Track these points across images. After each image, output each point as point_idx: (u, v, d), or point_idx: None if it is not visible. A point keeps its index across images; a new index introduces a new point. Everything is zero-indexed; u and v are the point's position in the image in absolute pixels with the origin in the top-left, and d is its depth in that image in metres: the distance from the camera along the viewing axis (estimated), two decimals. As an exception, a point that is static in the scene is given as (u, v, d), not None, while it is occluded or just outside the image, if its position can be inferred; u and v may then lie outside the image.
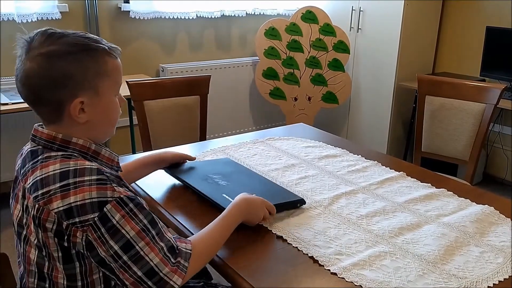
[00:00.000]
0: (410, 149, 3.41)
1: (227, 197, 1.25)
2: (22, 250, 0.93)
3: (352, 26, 3.49)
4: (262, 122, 3.78)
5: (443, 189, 1.43)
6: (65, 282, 0.87)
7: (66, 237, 0.84)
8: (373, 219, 1.24)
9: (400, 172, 1.54)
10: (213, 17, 3.31)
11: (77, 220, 0.83)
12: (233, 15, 3.42)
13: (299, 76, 3.51)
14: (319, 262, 1.06)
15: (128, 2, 2.99)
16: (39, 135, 0.92)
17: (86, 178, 0.85)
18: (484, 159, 3.35)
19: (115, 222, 0.84)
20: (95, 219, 0.83)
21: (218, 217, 1.08)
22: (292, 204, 1.29)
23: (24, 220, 0.90)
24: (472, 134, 2.06)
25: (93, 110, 0.93)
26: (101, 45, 0.93)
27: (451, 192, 1.41)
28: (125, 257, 0.85)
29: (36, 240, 0.87)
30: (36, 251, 0.88)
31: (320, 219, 1.25)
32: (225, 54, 3.55)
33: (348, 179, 1.50)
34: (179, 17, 3.17)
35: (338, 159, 1.67)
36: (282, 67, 3.47)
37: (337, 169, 1.58)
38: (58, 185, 0.85)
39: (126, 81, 2.07)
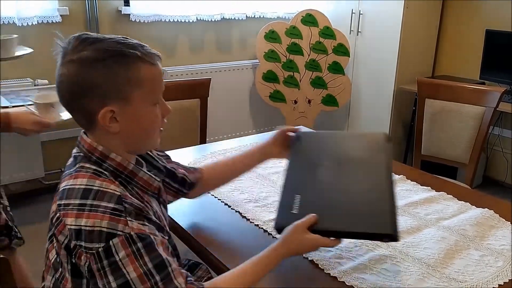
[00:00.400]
0: (410, 152, 3.41)
1: (292, 212, 1.01)
2: (46, 246, 0.92)
3: (352, 29, 3.50)
4: (262, 125, 3.79)
5: (443, 192, 1.43)
6: None
7: (73, 255, 0.82)
8: (373, 223, 1.24)
9: (400, 176, 1.54)
10: (213, 20, 3.32)
11: (83, 244, 0.81)
12: (233, 18, 3.43)
13: (299, 79, 3.52)
14: (319, 265, 1.06)
15: (129, 5, 2.99)
16: (82, 143, 0.91)
17: (102, 204, 0.82)
18: (484, 161, 3.35)
19: (118, 259, 0.80)
20: (100, 249, 0.80)
21: (250, 260, 0.95)
22: (374, 237, 0.99)
23: (53, 220, 0.89)
24: (472, 137, 2.07)
25: (125, 119, 0.88)
26: (135, 51, 0.87)
27: (451, 196, 1.41)
28: None
29: (56, 244, 0.86)
30: (54, 254, 0.88)
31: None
32: (225, 57, 3.56)
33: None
34: (179, 20, 3.18)
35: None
36: (282, 70, 3.48)
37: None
38: (77, 201, 0.83)
39: None
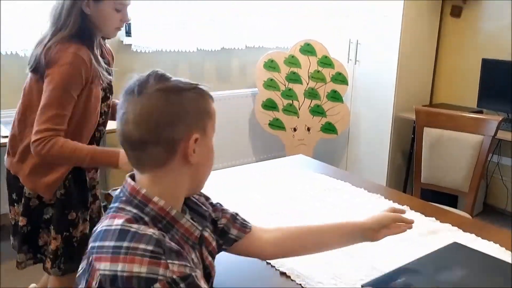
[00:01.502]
0: (410, 180, 3.41)
1: None
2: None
3: (350, 58, 3.57)
4: (262, 152, 3.80)
5: (448, 223, 1.43)
6: None
7: None
8: (378, 255, 1.23)
9: (404, 206, 1.54)
10: (213, 50, 3.38)
11: None
12: (232, 47, 3.49)
13: (298, 107, 3.55)
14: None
15: (130, 36, 3.05)
16: (126, 186, 0.88)
17: (141, 246, 0.77)
18: (484, 189, 3.35)
19: None
20: None
21: None
22: None
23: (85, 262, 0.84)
24: (471, 165, 2.08)
25: (202, 151, 0.89)
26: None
27: (456, 227, 1.40)
28: None
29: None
30: None
31: (324, 253, 1.23)
32: (225, 85, 3.60)
33: (351, 213, 1.49)
34: (180, 50, 3.23)
35: (341, 192, 1.67)
36: (281, 98, 3.52)
37: (340, 203, 1.57)
38: (112, 243, 0.78)
39: None
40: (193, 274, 0.79)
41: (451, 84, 3.51)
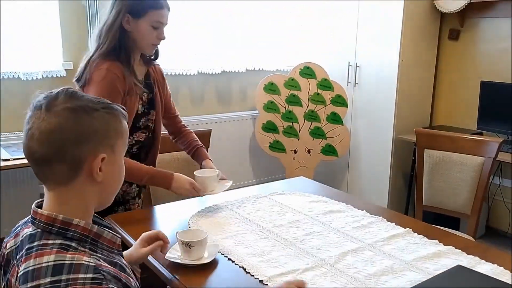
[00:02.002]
0: (411, 202, 3.39)
1: None
2: None
3: (349, 80, 3.60)
4: (262, 175, 3.79)
5: (451, 246, 1.41)
6: None
7: None
8: (382, 278, 1.22)
9: (407, 229, 1.53)
10: (213, 73, 3.42)
11: None
12: (233, 71, 3.53)
13: (299, 129, 3.57)
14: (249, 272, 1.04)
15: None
16: (39, 217, 0.86)
17: (80, 276, 0.78)
18: (486, 211, 3.33)
19: None
20: None
21: None
22: None
23: None
24: (472, 187, 2.07)
25: (109, 169, 0.90)
26: (118, 106, 0.94)
27: (460, 250, 1.39)
28: None
29: None
30: None
31: (326, 278, 1.22)
32: (225, 108, 3.63)
33: (354, 236, 1.48)
34: (181, 73, 3.26)
35: (342, 215, 1.66)
36: (281, 121, 3.54)
37: (342, 225, 1.56)
38: (48, 279, 0.77)
39: None
40: None
41: (451, 106, 3.54)
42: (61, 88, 0.89)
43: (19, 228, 0.93)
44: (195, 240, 1.26)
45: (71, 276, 0.78)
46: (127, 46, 1.56)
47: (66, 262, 0.80)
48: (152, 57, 1.73)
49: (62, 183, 0.87)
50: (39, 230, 0.86)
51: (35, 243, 0.83)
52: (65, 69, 2.85)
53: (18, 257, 0.86)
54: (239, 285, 1.20)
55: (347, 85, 3.60)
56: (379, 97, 3.43)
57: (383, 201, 3.43)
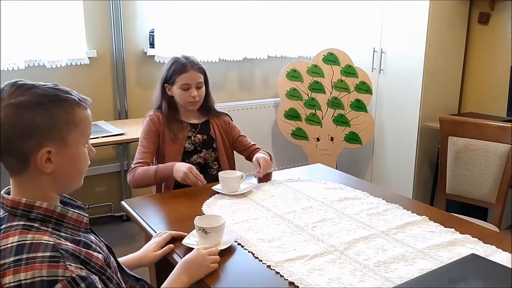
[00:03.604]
0: (437, 191, 3.29)
1: None
2: None
3: (374, 67, 3.51)
4: (285, 163, 3.77)
5: (468, 235, 1.36)
6: None
7: None
8: (392, 266, 1.19)
9: (422, 216, 1.48)
10: (235, 60, 3.41)
11: None
12: (255, 58, 3.51)
13: (321, 117, 3.52)
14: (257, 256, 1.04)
15: (154, 47, 3.12)
16: (5, 202, 0.93)
17: (39, 255, 0.83)
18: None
19: None
20: None
21: None
22: None
23: None
24: (498, 176, 1.99)
25: (60, 160, 0.92)
26: (71, 96, 0.94)
27: (476, 238, 1.34)
28: None
29: None
30: None
31: (335, 264, 1.21)
32: (247, 95, 3.62)
33: (367, 223, 1.46)
34: (202, 60, 3.27)
35: (357, 202, 1.63)
36: (304, 108, 3.49)
37: (356, 212, 1.54)
38: (12, 259, 0.83)
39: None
40: (92, 277, 0.87)
41: (480, 92, 3.39)
42: (8, 82, 0.91)
43: None
44: (212, 226, 1.28)
45: (30, 254, 0.83)
46: (173, 104, 1.98)
47: (27, 241, 0.85)
48: (211, 109, 2.06)
49: (16, 172, 0.93)
50: (6, 213, 0.92)
51: (3, 226, 0.90)
52: (89, 57, 2.90)
53: None
54: (248, 269, 1.21)
55: (372, 71, 3.52)
56: (404, 83, 3.33)
57: (408, 190, 3.35)
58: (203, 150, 2.00)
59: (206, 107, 2.03)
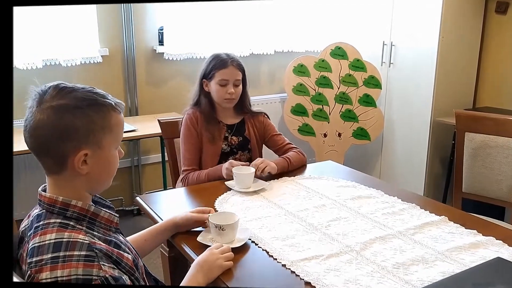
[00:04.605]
0: (450, 189, 3.24)
1: None
2: None
3: (383, 60, 3.45)
4: (291, 160, 3.72)
5: (491, 237, 1.31)
6: None
7: None
8: (411, 268, 1.15)
9: (442, 216, 1.43)
10: (242, 55, 3.35)
11: None
12: (261, 53, 3.45)
13: (329, 112, 3.46)
14: (275, 258, 1.03)
15: (163, 44, 3.09)
16: (43, 199, 0.97)
17: (75, 253, 0.88)
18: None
19: None
20: None
21: None
22: None
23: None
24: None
25: (94, 162, 0.97)
26: (108, 100, 0.98)
27: (501, 241, 1.28)
28: None
29: None
30: None
31: (351, 265, 1.16)
32: (254, 91, 3.55)
33: (383, 223, 1.41)
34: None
35: (372, 201, 1.58)
36: (311, 103, 3.44)
37: (371, 212, 1.49)
38: (49, 255, 0.87)
39: (158, 120, 2.16)
40: (124, 277, 0.92)
41: (497, 86, 3.30)
42: (52, 84, 0.95)
43: (32, 211, 1.03)
44: (228, 223, 1.27)
45: (67, 253, 0.87)
46: (210, 101, 1.96)
47: (64, 239, 0.89)
48: (245, 109, 2.03)
49: (53, 172, 0.97)
50: (44, 210, 0.97)
51: (41, 222, 0.94)
52: (101, 55, 2.92)
53: (28, 234, 0.96)
54: (263, 268, 1.18)
55: (381, 65, 3.45)
56: (416, 77, 3.25)
57: (419, 188, 3.29)
58: (238, 152, 2.01)
59: (242, 106, 2.02)
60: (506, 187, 1.97)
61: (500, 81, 3.27)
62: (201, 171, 1.89)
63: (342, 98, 3.43)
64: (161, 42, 3.11)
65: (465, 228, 1.36)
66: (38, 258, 0.88)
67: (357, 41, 3.50)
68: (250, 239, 1.30)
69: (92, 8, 2.84)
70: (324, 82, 3.42)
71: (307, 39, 3.61)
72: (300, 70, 3.40)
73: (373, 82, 3.38)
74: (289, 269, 1.15)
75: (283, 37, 3.50)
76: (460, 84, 3.29)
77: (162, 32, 3.08)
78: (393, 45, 3.37)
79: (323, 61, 3.41)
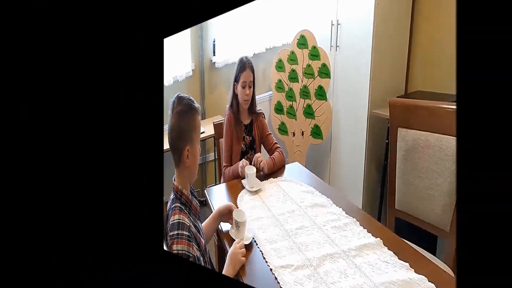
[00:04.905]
0: (387, 205, 1.64)
1: None
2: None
3: (331, 44, 2.39)
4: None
5: (423, 276, 1.05)
6: None
7: None
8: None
9: (377, 239, 1.22)
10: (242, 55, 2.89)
11: None
12: (255, 52, 2.87)
13: (296, 109, 2.60)
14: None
15: (215, 55, 2.81)
16: (173, 186, 1.08)
17: (184, 233, 0.98)
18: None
19: None
20: None
21: None
22: None
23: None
24: (453, 188, 1.16)
25: (192, 156, 1.06)
26: (195, 104, 1.06)
27: (433, 285, 1.01)
28: None
29: None
30: None
31: (310, 282, 1.09)
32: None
33: (332, 237, 1.29)
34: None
35: (324, 210, 1.45)
36: (286, 100, 2.62)
37: (323, 223, 1.37)
38: (175, 232, 0.98)
39: (213, 122, 1.99)
40: (202, 259, 0.99)
41: (428, 68, 2.22)
42: (176, 95, 1.06)
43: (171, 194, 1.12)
44: (241, 220, 1.21)
45: (180, 231, 0.98)
46: (236, 103, 1.81)
47: (180, 221, 1.00)
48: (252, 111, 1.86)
49: (176, 165, 1.07)
50: (173, 196, 1.08)
51: (173, 205, 1.05)
52: (192, 69, 2.73)
53: (168, 213, 1.06)
54: (259, 267, 1.13)
55: (330, 50, 2.39)
56: (356, 61, 2.20)
57: (358, 197, 2.28)
58: (249, 151, 1.86)
59: (252, 106, 1.82)
60: (439, 207, 1.23)
61: (430, 63, 2.22)
62: (230, 168, 1.77)
63: (304, 92, 2.54)
64: (214, 53, 2.81)
65: (398, 259, 1.13)
66: (172, 233, 0.98)
67: (313, 25, 2.48)
68: (253, 238, 1.23)
69: (187, 31, 2.62)
70: (293, 76, 2.56)
71: (284, 31, 2.76)
72: (279, 65, 2.61)
73: (325, 71, 2.39)
74: (274, 274, 1.09)
75: (269, 33, 2.77)
76: (393, 67, 2.26)
77: (215, 44, 2.77)
78: (339, 24, 2.31)
79: (292, 53, 2.52)
